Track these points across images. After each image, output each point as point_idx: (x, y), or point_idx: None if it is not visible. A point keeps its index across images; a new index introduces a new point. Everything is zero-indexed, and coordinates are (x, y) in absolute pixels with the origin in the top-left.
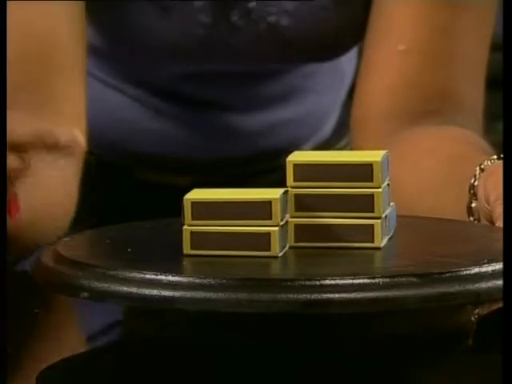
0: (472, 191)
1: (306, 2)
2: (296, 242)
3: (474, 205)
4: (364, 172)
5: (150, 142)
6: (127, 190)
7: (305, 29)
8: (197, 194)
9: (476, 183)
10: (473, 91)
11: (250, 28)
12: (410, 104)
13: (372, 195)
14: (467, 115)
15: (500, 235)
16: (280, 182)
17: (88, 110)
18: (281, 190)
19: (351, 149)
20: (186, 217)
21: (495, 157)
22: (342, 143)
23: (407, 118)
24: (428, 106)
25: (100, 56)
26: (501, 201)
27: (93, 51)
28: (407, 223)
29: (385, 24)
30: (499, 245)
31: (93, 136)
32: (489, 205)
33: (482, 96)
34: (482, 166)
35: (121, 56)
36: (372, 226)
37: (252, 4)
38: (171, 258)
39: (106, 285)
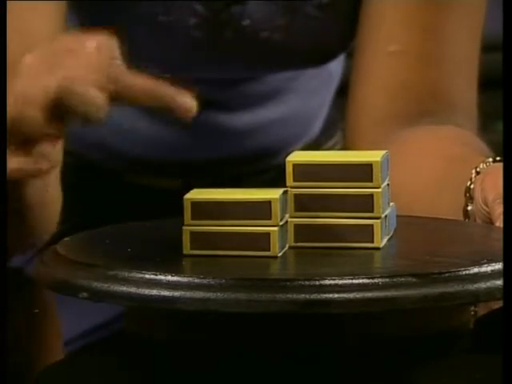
0: (468, 194)
1: (296, 15)
2: (295, 241)
3: (469, 208)
4: (364, 172)
5: (135, 142)
6: (113, 192)
7: (295, 40)
8: (196, 194)
9: (472, 186)
10: (466, 90)
11: (240, 42)
12: (404, 105)
13: (372, 195)
14: (461, 114)
15: (500, 235)
16: (270, 183)
17: None
18: (280, 190)
19: (341, 149)
20: (185, 217)
21: (491, 159)
22: (330, 143)
23: (402, 119)
24: (422, 107)
25: None
26: (500, 200)
27: None
28: (407, 223)
29: (374, 26)
30: (499, 245)
31: (76, 137)
32: (487, 206)
33: (475, 94)
34: (478, 169)
35: None
36: (371, 226)
37: (246, 22)
38: (171, 258)
39: (106, 285)
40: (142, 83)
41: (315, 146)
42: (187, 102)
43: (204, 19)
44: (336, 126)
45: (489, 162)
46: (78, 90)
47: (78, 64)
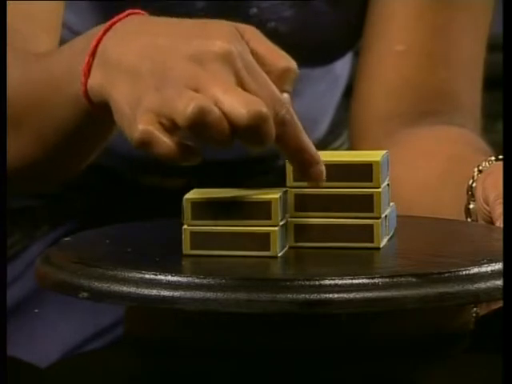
0: (470, 192)
1: (304, 8)
2: (296, 242)
3: (471, 206)
4: (364, 172)
5: None
6: (114, 192)
7: (302, 35)
8: (197, 194)
9: (474, 184)
10: (470, 90)
11: None
12: (409, 104)
13: (372, 195)
14: (465, 114)
15: (500, 235)
16: (270, 186)
17: None
18: (280, 190)
19: (348, 149)
20: (185, 217)
21: (493, 158)
22: (338, 143)
23: (406, 119)
24: (426, 106)
25: None
26: (501, 200)
27: None
28: (407, 223)
29: (382, 25)
30: (499, 245)
31: None
32: (488, 205)
33: (479, 95)
34: (480, 168)
35: None
36: (371, 226)
37: (253, 10)
38: (171, 258)
39: (106, 285)
40: (300, 141)
41: (322, 145)
42: (319, 172)
43: (211, 3)
44: (343, 126)
45: (491, 160)
46: (266, 124)
47: (260, 84)
